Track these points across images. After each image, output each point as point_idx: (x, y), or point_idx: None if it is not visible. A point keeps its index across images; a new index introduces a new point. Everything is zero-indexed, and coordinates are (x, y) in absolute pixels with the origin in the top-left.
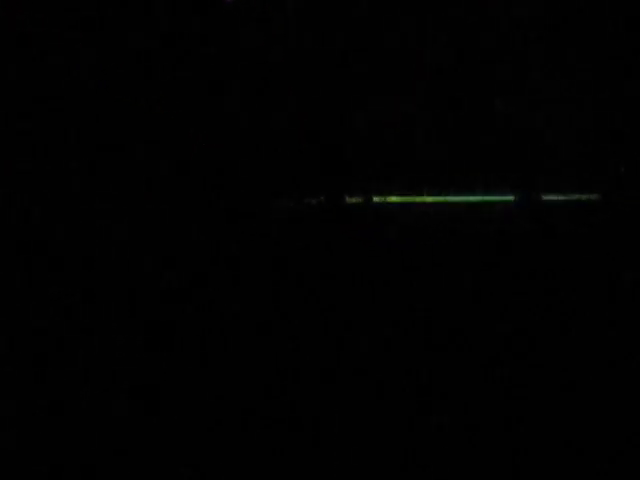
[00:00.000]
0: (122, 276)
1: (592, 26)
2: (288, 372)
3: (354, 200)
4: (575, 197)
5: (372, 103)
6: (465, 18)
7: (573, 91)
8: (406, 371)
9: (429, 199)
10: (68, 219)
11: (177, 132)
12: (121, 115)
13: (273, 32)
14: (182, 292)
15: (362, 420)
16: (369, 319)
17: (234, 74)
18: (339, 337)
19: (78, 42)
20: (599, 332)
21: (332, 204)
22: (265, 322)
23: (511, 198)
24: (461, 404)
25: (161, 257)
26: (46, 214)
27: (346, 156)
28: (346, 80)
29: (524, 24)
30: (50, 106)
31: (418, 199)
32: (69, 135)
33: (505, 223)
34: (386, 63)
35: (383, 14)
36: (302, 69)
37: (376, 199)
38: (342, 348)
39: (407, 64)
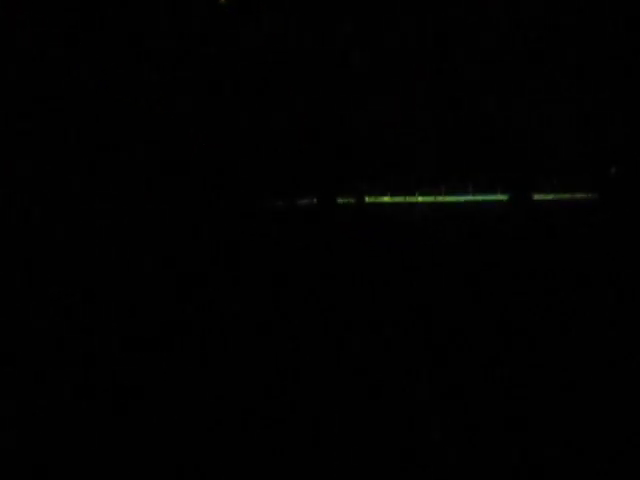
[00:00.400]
0: (121, 275)
1: (591, 27)
2: (286, 369)
3: (346, 200)
4: (569, 196)
5: (370, 103)
6: (465, 18)
7: (569, 92)
8: (400, 370)
9: (421, 199)
10: (68, 219)
11: (176, 133)
12: (121, 115)
13: (273, 32)
14: (180, 290)
15: (356, 419)
16: (362, 316)
17: (234, 74)
18: (333, 334)
19: (78, 42)
20: (594, 330)
21: (325, 204)
22: (261, 320)
23: (505, 197)
24: (458, 403)
25: (160, 256)
26: (46, 214)
27: (339, 157)
28: (344, 81)
29: (524, 24)
30: (50, 106)
31: (411, 199)
32: (69, 135)
33: (499, 222)
34: (386, 63)
35: (383, 14)
36: (301, 70)
37: (369, 199)
38: (335, 345)
39: (408, 64)
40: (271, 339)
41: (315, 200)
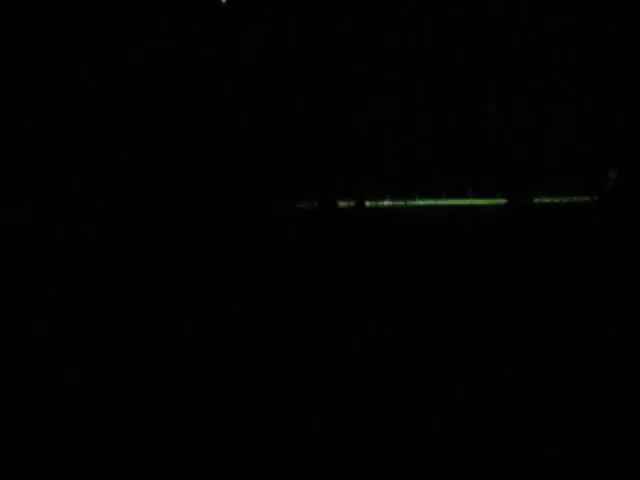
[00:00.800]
0: (121, 276)
1: (589, 28)
2: (285, 370)
3: (347, 204)
4: (568, 200)
5: (370, 104)
6: (465, 18)
7: (567, 95)
8: (399, 370)
9: (421, 202)
10: (68, 219)
11: (176, 133)
12: (121, 115)
13: (272, 32)
14: (179, 290)
15: (355, 420)
16: (361, 319)
17: (234, 74)
18: (331, 338)
19: (79, 43)
20: (593, 335)
21: (325, 208)
22: (259, 322)
23: (503, 201)
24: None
25: (159, 256)
26: (46, 214)
27: (340, 159)
28: (342, 83)
29: (524, 24)
30: (50, 106)
31: (410, 203)
32: (69, 135)
33: (498, 226)
34: (383, 64)
35: (383, 14)
36: (300, 71)
37: (369, 203)
38: (334, 348)
39: (404, 65)
40: (270, 341)
41: (315, 203)
